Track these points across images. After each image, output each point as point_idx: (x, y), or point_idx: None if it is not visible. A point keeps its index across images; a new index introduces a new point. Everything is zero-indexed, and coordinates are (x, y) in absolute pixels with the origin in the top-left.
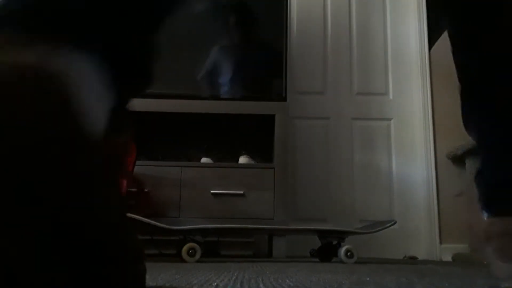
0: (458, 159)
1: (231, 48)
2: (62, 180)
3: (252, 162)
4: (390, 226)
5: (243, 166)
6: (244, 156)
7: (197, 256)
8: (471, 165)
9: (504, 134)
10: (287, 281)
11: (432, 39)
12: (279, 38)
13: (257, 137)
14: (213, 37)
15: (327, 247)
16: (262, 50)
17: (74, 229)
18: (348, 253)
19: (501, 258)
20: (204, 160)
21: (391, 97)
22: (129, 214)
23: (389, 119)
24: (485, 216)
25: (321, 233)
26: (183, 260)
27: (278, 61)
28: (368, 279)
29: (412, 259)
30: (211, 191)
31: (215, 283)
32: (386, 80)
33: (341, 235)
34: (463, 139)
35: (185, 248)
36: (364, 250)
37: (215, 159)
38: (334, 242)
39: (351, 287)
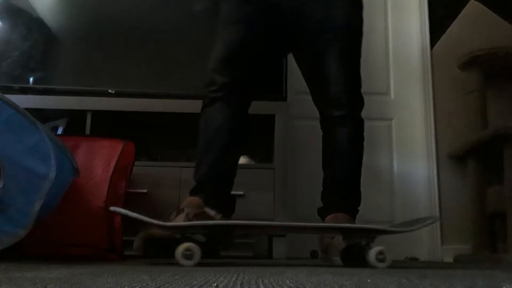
0: (460, 159)
1: None
2: None
3: (252, 162)
4: (431, 223)
5: (243, 166)
6: (244, 156)
7: (196, 258)
8: (473, 164)
9: None
10: (287, 282)
11: (434, 39)
12: None
13: (257, 137)
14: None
15: (354, 249)
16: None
17: None
18: (380, 256)
19: None
20: None
21: (392, 96)
22: (127, 212)
23: (390, 119)
24: None
25: (347, 232)
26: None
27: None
28: (369, 280)
29: (413, 260)
30: None
31: (215, 284)
32: (387, 79)
33: (371, 235)
34: (465, 139)
35: (180, 249)
36: None
37: None
38: (363, 243)
39: None
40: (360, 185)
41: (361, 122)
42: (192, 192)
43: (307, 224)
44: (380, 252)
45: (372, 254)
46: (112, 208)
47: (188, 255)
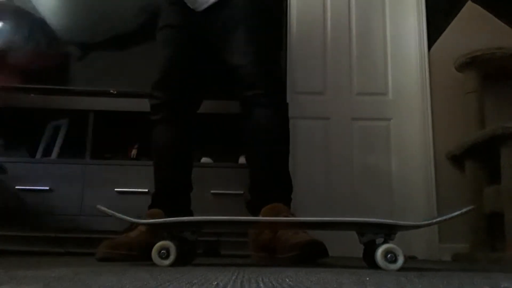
0: (457, 159)
1: None
2: None
3: None
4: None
5: (243, 166)
6: (244, 155)
7: (171, 258)
8: (470, 164)
9: None
10: (287, 280)
11: (432, 39)
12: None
13: None
14: None
15: (370, 248)
16: None
17: None
18: (389, 255)
19: None
20: (204, 160)
21: (390, 97)
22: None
23: (389, 119)
24: None
25: (361, 228)
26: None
27: None
28: (368, 278)
29: (412, 259)
30: (211, 191)
31: (215, 283)
32: (385, 80)
33: (389, 231)
34: (462, 139)
35: (156, 247)
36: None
37: (215, 159)
38: (379, 241)
39: (351, 287)
40: (288, 170)
41: (284, 104)
42: (151, 207)
43: (316, 219)
44: (389, 251)
45: (380, 253)
46: (98, 207)
47: (163, 255)
